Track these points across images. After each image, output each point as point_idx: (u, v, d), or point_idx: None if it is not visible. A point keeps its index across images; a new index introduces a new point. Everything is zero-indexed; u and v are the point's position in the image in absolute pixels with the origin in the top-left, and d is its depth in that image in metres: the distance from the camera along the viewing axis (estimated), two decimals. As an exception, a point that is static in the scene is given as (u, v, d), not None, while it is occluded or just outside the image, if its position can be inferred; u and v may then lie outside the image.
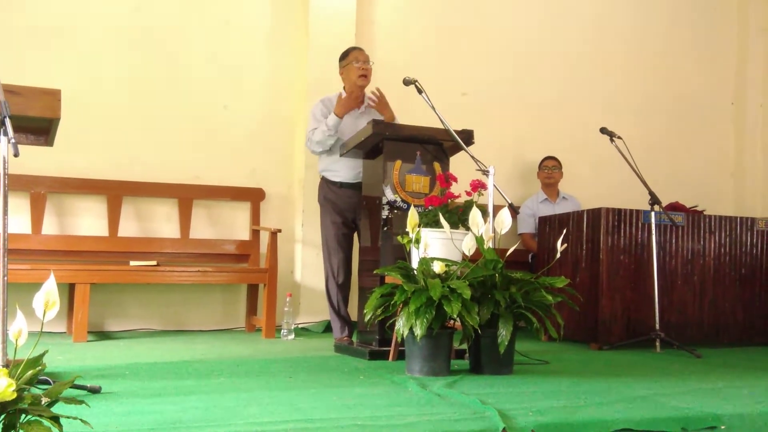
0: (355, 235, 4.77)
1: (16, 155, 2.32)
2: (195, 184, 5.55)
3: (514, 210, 3.85)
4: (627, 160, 4.76)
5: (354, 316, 4.72)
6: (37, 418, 1.67)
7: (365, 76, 4.67)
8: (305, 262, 5.71)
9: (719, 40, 7.29)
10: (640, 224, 4.87)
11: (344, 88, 4.76)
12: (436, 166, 4.25)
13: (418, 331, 3.16)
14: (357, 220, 4.67)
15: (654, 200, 4.71)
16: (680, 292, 4.97)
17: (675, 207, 5.91)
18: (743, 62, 7.26)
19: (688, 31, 7.19)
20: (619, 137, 4.91)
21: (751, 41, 7.23)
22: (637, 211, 4.88)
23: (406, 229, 3.45)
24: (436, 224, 3.65)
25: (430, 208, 3.85)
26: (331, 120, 4.57)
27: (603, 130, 5.01)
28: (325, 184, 4.78)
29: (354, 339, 4.56)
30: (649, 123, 6.89)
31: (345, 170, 4.67)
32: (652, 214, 4.73)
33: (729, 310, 5.09)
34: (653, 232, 4.73)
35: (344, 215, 4.69)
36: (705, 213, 5.39)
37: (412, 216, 3.42)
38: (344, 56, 4.77)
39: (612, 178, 6.27)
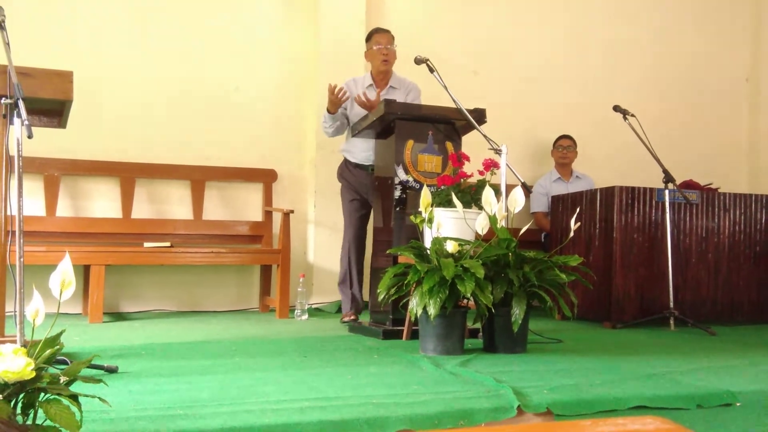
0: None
1: (30, 137, 2.34)
2: (207, 166, 5.56)
3: (527, 189, 3.83)
4: (640, 138, 4.73)
5: (367, 296, 4.74)
6: (56, 396, 1.68)
7: (387, 60, 4.67)
8: (318, 243, 5.72)
9: (734, 17, 7.20)
10: (653, 202, 4.85)
11: (371, 70, 4.78)
12: (449, 145, 4.24)
13: (432, 311, 3.16)
14: (371, 201, 4.69)
15: (668, 178, 4.67)
16: (694, 270, 4.95)
17: (689, 185, 5.84)
18: (758, 38, 7.17)
19: (702, 7, 7.10)
20: (633, 115, 4.87)
21: (765, 17, 7.13)
22: (651, 189, 4.85)
23: (419, 209, 3.45)
24: (449, 204, 3.64)
25: (442, 187, 3.85)
26: (324, 114, 4.69)
27: (616, 108, 4.97)
28: (344, 163, 4.86)
29: (360, 318, 4.58)
30: (663, 100, 6.83)
31: (359, 152, 4.72)
32: (666, 192, 4.70)
33: (743, 287, 5.07)
34: (667, 210, 4.70)
35: (360, 194, 4.74)
36: (719, 191, 5.35)
37: (425, 195, 3.41)
38: (368, 39, 4.79)
39: (625, 157, 6.23)
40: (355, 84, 4.77)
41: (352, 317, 4.63)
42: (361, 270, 4.79)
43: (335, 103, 4.56)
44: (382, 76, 4.75)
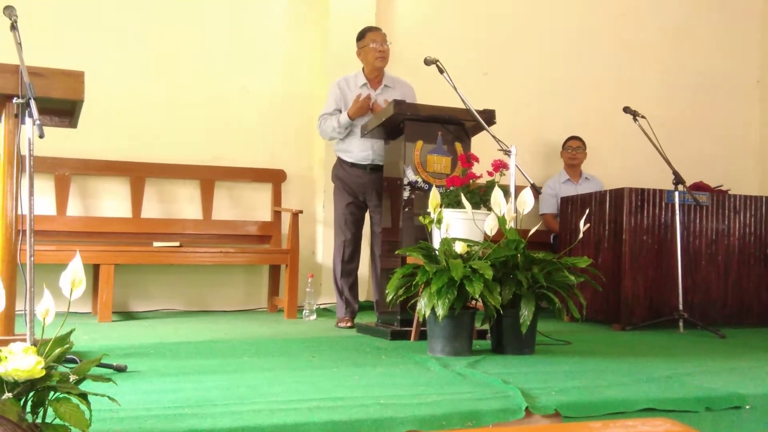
0: (367, 216, 4.79)
1: (41, 136, 2.35)
2: (216, 166, 5.58)
3: (536, 190, 3.82)
4: (650, 139, 4.71)
5: (371, 297, 4.73)
6: (66, 395, 1.69)
7: (383, 58, 4.64)
8: (326, 243, 5.72)
9: (744, 17, 7.17)
10: (663, 204, 4.83)
11: (363, 69, 4.74)
12: (458, 146, 4.23)
13: (440, 312, 3.16)
14: (368, 201, 4.68)
15: (678, 180, 4.66)
16: (704, 273, 4.93)
17: (699, 187, 5.82)
18: (769, 40, 7.14)
19: (712, 7, 7.07)
20: (643, 116, 4.86)
21: (777, 18, 7.10)
22: (661, 190, 4.84)
23: (428, 210, 3.45)
24: (458, 204, 3.64)
25: (451, 188, 3.84)
26: (343, 119, 4.59)
27: (626, 110, 4.96)
28: (339, 163, 4.80)
29: (366, 320, 4.58)
30: (673, 102, 6.80)
31: (358, 151, 4.67)
32: (676, 194, 4.68)
33: (753, 290, 5.04)
34: (677, 212, 4.68)
35: (355, 195, 4.70)
36: (730, 192, 5.33)
37: (434, 196, 3.41)
38: (361, 37, 4.72)
39: (635, 158, 6.21)
40: (347, 83, 4.72)
41: (348, 324, 4.62)
42: (356, 275, 4.76)
43: (363, 112, 4.55)
44: (375, 74, 4.69)
